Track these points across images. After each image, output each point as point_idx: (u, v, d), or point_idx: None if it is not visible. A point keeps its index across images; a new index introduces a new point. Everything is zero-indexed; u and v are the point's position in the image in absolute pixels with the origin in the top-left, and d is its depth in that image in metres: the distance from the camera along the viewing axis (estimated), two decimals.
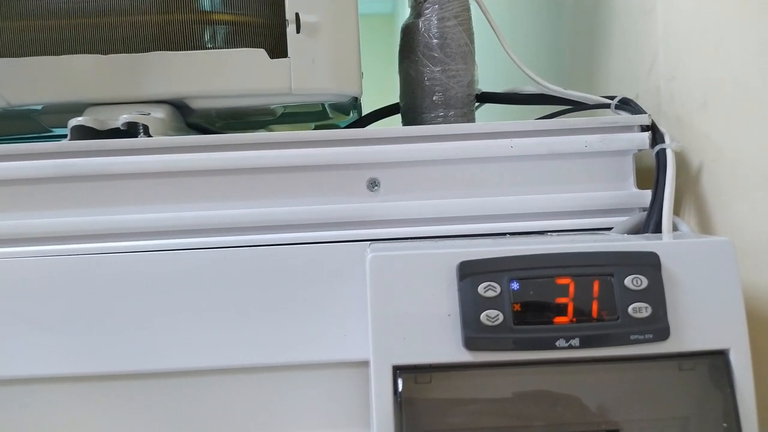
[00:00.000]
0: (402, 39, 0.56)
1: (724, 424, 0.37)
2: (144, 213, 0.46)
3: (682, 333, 0.37)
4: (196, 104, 0.51)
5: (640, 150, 0.48)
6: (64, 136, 0.47)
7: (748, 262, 0.42)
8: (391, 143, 0.47)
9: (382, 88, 0.75)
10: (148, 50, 0.49)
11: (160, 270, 0.44)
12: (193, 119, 0.54)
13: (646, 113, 0.48)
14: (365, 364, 0.39)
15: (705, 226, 0.47)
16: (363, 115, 0.63)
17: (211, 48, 0.50)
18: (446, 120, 0.54)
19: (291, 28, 0.49)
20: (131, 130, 0.47)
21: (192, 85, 0.49)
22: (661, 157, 0.46)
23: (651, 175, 0.47)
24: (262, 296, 0.43)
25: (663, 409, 0.37)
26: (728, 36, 0.44)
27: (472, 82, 0.55)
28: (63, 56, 0.49)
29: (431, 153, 0.47)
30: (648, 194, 0.47)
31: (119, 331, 0.43)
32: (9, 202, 0.46)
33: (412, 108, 0.56)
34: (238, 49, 0.49)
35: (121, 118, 0.47)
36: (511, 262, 0.37)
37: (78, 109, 0.49)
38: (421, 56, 0.54)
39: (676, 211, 0.47)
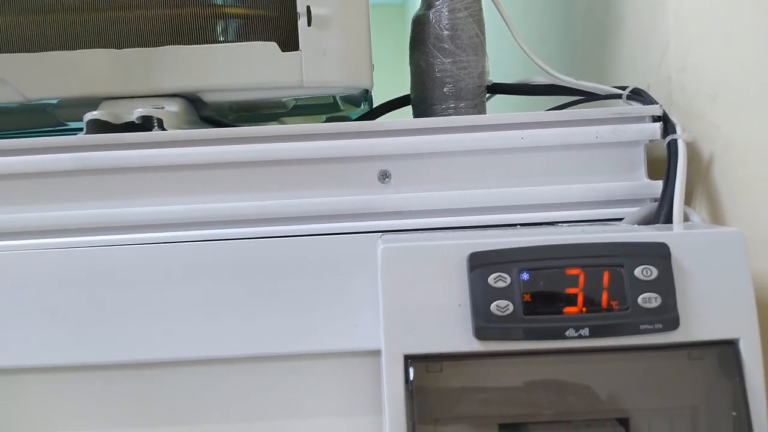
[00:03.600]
0: (413, 31, 0.56)
1: (734, 413, 0.37)
2: (159, 205, 0.47)
3: (691, 323, 0.37)
4: (209, 97, 0.51)
5: (651, 141, 0.48)
6: (80, 129, 0.48)
7: (758, 252, 0.42)
8: (402, 135, 0.47)
9: (392, 79, 0.75)
10: (161, 44, 0.49)
11: (176, 261, 0.44)
12: (206, 112, 0.55)
13: (657, 104, 0.48)
14: (377, 353, 0.39)
15: (716, 217, 0.47)
16: (374, 107, 0.63)
17: (223, 42, 0.51)
18: (457, 111, 0.54)
19: (302, 21, 0.49)
20: (146, 123, 0.47)
21: (205, 79, 0.50)
22: (672, 147, 0.46)
23: (662, 166, 0.47)
24: (275, 287, 0.44)
25: (672, 399, 0.38)
26: (739, 27, 0.44)
27: (483, 74, 0.55)
28: (78, 51, 0.49)
29: (442, 145, 0.47)
30: (659, 185, 0.47)
31: (138, 321, 0.44)
32: (27, 195, 0.47)
33: (422, 100, 0.56)
34: (250, 42, 0.50)
35: (136, 111, 0.48)
36: (521, 253, 0.38)
37: (93, 103, 0.50)
38: (431, 48, 0.54)
39: (687, 201, 0.47)
